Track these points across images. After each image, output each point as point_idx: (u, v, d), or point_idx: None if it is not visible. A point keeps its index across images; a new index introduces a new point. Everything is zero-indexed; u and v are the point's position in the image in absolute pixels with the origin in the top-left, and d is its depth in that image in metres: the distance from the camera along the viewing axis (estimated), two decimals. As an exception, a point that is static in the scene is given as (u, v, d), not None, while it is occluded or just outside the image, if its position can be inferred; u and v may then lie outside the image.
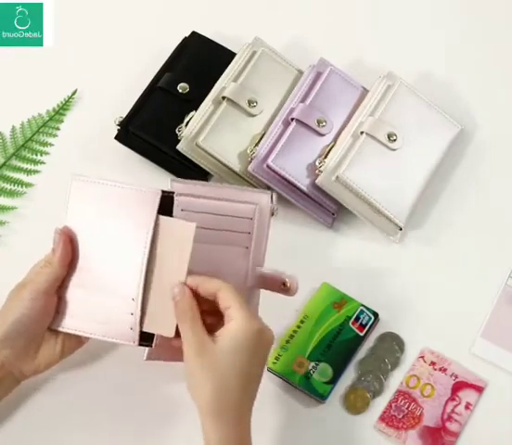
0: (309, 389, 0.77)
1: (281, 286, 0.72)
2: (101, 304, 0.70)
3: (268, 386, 0.78)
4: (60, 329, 0.71)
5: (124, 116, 0.86)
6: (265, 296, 0.74)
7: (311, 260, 0.84)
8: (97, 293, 0.70)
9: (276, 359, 0.78)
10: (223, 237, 0.71)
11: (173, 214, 0.69)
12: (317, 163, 0.82)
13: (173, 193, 0.69)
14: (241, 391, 0.65)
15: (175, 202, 0.69)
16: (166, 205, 0.69)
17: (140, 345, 0.69)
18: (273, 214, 0.74)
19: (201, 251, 0.69)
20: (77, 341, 0.73)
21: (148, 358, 0.71)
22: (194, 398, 0.65)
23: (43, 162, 0.90)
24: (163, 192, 0.69)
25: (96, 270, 0.70)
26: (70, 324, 0.71)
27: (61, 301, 0.71)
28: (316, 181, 0.82)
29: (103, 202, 0.70)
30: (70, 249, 0.70)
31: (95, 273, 0.70)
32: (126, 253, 0.69)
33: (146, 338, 0.69)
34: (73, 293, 0.71)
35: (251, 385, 0.66)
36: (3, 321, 0.69)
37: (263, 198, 0.73)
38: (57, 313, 0.71)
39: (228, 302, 0.65)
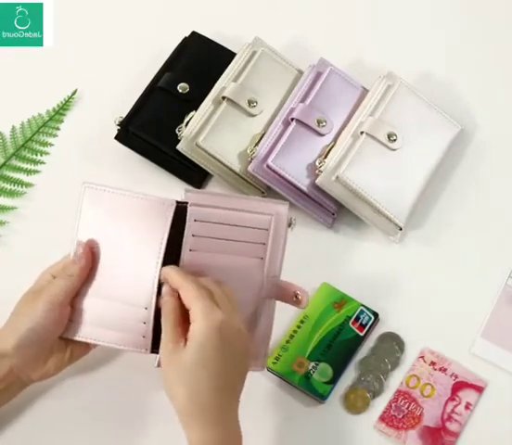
0: (309, 389, 0.77)
1: (293, 298, 0.72)
2: (114, 313, 0.70)
3: (268, 386, 0.78)
4: (75, 338, 0.71)
5: (124, 116, 0.86)
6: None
7: (311, 260, 0.84)
8: (110, 302, 0.70)
9: (276, 359, 0.78)
10: (237, 248, 0.70)
11: (187, 224, 0.69)
12: (317, 163, 0.82)
13: (187, 203, 0.69)
14: (217, 392, 0.64)
15: (188, 212, 0.69)
16: (180, 215, 0.69)
17: (152, 352, 0.70)
18: (290, 225, 0.73)
19: (216, 262, 0.70)
20: (85, 347, 0.73)
21: (160, 365, 0.70)
22: (171, 401, 0.64)
23: (43, 162, 0.90)
24: (177, 202, 0.69)
25: (109, 279, 0.70)
26: (83, 333, 0.71)
27: (74, 310, 0.71)
28: (316, 181, 0.82)
29: (116, 211, 0.70)
30: (90, 262, 0.70)
31: (108, 281, 0.70)
32: (139, 262, 0.69)
33: (157, 346, 0.69)
34: (86, 302, 0.71)
35: (229, 383, 0.65)
36: (16, 329, 0.69)
37: (280, 209, 0.72)
38: (70, 322, 0.71)
39: (188, 302, 0.65)
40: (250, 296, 0.71)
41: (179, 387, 0.63)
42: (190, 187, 0.85)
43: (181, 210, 0.69)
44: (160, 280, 0.68)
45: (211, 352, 0.63)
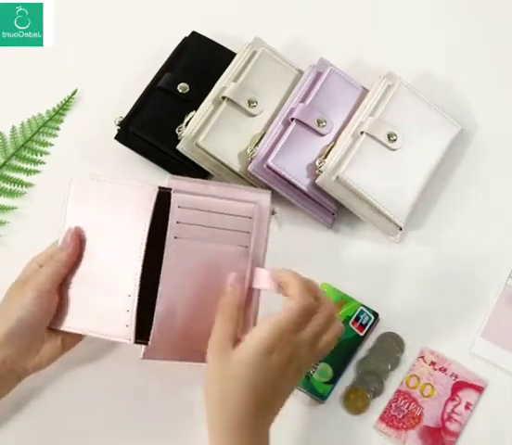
0: (309, 389, 0.77)
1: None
2: (98, 301, 0.70)
3: (268, 386, 0.78)
4: (61, 328, 0.71)
5: (124, 116, 0.86)
6: (266, 295, 0.74)
7: (311, 260, 0.84)
8: (94, 290, 0.70)
9: (276, 359, 0.78)
10: (221, 236, 0.71)
11: (170, 211, 0.69)
12: (317, 163, 0.82)
13: (170, 189, 0.70)
14: (252, 407, 0.63)
15: (172, 199, 0.69)
16: (164, 201, 0.69)
17: (136, 343, 0.69)
18: (273, 214, 0.74)
19: (201, 250, 0.69)
20: (77, 335, 0.73)
21: (145, 356, 0.70)
22: (205, 403, 0.64)
23: (43, 162, 0.90)
24: (160, 188, 0.69)
25: (94, 265, 0.71)
26: (68, 323, 0.71)
27: (60, 299, 0.71)
28: (316, 181, 0.82)
29: (101, 199, 0.71)
30: (78, 250, 0.71)
31: (92, 268, 0.71)
32: (123, 249, 0.69)
33: (142, 336, 0.69)
34: (71, 291, 0.71)
35: (269, 403, 0.65)
36: (6, 316, 0.69)
37: (263, 198, 0.73)
38: (56, 312, 0.71)
39: (289, 302, 0.65)
40: None
41: (215, 393, 0.63)
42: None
43: (166, 197, 0.69)
44: (143, 267, 0.68)
45: (263, 368, 0.63)
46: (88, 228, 0.71)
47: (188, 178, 0.71)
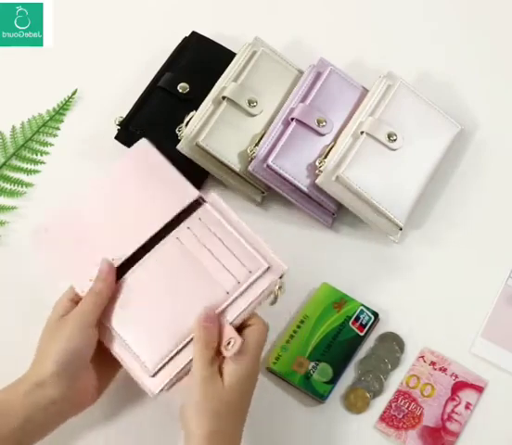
0: (309, 389, 0.77)
1: (225, 344, 0.67)
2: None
3: (268, 386, 0.78)
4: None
5: (124, 116, 0.86)
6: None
7: (311, 260, 0.84)
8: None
9: (276, 359, 0.78)
10: (213, 266, 0.70)
11: (189, 216, 0.71)
12: (317, 163, 0.82)
13: (205, 201, 0.71)
14: (236, 426, 0.66)
15: (201, 208, 0.71)
16: (191, 210, 0.71)
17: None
18: (274, 293, 0.70)
19: (190, 264, 0.70)
20: (113, 369, 0.73)
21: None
22: (186, 426, 0.65)
23: (43, 162, 0.90)
24: (199, 197, 0.71)
25: (100, 236, 0.73)
26: None
27: None
28: (316, 181, 0.82)
29: (149, 171, 0.73)
30: (114, 279, 0.71)
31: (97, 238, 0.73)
32: (135, 228, 0.72)
33: None
34: None
35: (244, 416, 0.68)
36: (53, 354, 0.67)
37: (278, 269, 0.70)
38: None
39: (250, 337, 0.67)
40: (213, 300, 0.69)
41: (204, 419, 0.64)
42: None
43: (196, 206, 0.71)
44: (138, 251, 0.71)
45: (244, 392, 0.67)
46: (111, 198, 0.73)
47: (227, 205, 0.71)
